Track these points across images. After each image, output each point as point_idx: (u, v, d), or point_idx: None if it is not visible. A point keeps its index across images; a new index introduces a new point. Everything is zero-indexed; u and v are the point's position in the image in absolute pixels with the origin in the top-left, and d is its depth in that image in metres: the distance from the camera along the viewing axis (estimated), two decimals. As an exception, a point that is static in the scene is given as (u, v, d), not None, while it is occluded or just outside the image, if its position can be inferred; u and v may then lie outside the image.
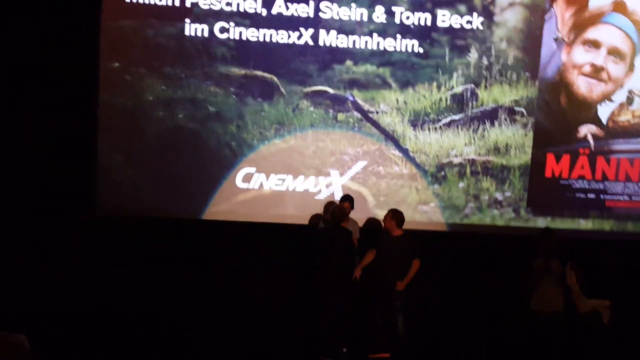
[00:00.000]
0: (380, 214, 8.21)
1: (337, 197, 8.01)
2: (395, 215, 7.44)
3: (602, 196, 8.39)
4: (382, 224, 7.63)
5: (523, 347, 7.30)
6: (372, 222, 8.16)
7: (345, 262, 7.43)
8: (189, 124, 7.96)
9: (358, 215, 8.04)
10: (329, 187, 8.14)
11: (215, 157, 8.02)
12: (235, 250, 8.03)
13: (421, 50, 8.07)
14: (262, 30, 7.93)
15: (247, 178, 8.06)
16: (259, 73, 7.98)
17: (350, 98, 8.09)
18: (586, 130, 8.29)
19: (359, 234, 7.81)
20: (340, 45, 8.01)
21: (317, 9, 7.96)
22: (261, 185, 8.10)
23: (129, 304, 7.62)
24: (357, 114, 8.11)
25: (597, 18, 8.19)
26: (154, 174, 7.92)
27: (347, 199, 7.63)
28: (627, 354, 7.26)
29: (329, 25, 7.99)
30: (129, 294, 7.69)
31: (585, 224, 8.46)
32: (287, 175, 8.10)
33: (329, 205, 7.88)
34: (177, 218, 7.98)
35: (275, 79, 7.99)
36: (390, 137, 8.15)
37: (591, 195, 8.38)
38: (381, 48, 8.05)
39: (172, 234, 7.88)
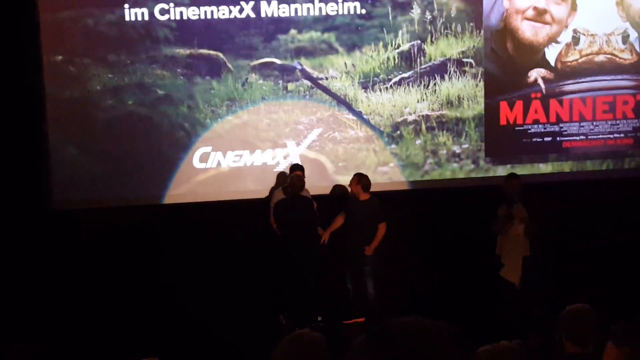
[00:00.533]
0: (341, 180, 8.31)
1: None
2: (361, 180, 7.55)
3: (558, 138, 8.51)
4: (348, 189, 7.72)
5: (493, 301, 7.48)
6: (338, 188, 8.24)
7: (310, 231, 7.51)
8: (140, 110, 7.98)
9: (318, 183, 8.13)
10: (286, 158, 8.19)
11: (170, 140, 8.06)
12: (199, 231, 8.07)
13: (364, 11, 8.12)
14: (203, 8, 7.95)
15: (204, 158, 8.10)
16: (204, 51, 8.00)
17: (299, 67, 8.14)
18: (536, 74, 8.39)
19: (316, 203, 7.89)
20: (282, 15, 8.04)
21: (255, -19, 7.98)
22: (219, 163, 8.15)
23: (95, 296, 7.65)
24: (307, 82, 8.17)
25: (535, -39, 8.26)
26: (109, 163, 7.95)
27: (299, 167, 7.70)
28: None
29: (269, -5, 8.02)
30: (95, 287, 7.72)
31: (544, 168, 8.58)
32: (244, 150, 8.16)
33: (281, 176, 7.97)
34: (138, 205, 7.99)
35: (221, 55, 8.02)
36: (343, 102, 8.21)
37: (548, 139, 8.50)
38: (324, 13, 8.09)
39: (134, 221, 7.90)
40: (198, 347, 7.20)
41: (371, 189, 7.66)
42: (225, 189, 8.15)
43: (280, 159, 8.22)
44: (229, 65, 8.04)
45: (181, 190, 8.07)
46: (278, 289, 7.81)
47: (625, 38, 8.41)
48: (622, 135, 8.57)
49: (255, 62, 8.09)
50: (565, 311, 4.37)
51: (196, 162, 8.10)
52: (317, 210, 7.66)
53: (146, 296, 7.68)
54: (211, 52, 8.03)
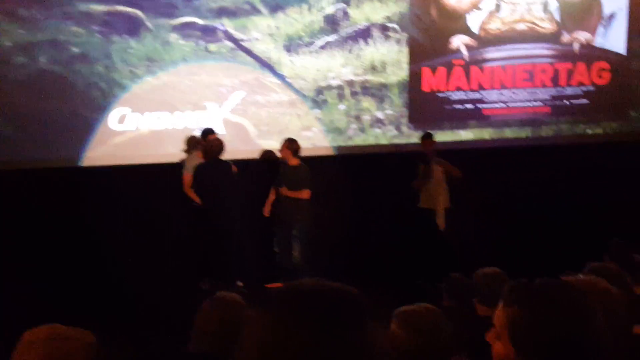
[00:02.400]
0: (264, 144, 8.45)
1: (219, 131, 8.12)
2: (291, 145, 7.72)
3: (479, 105, 8.86)
4: (278, 154, 7.88)
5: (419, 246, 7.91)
6: (268, 153, 8.35)
7: (231, 195, 7.62)
8: (53, 68, 7.87)
9: (241, 147, 8.23)
10: (208, 121, 8.23)
11: (86, 100, 8.00)
12: (119, 194, 8.06)
13: (288, -28, 8.19)
14: (121, -37, 7.85)
15: (122, 119, 8.09)
16: (122, 8, 7.95)
17: (221, 27, 8.18)
18: (459, 41, 8.69)
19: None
20: (204, -27, 8.03)
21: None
22: (137, 125, 8.13)
23: (13, 261, 7.56)
24: (229, 44, 8.22)
25: None
26: (22, 124, 7.84)
27: (212, 131, 7.77)
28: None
29: (190, -48, 7.99)
30: (12, 251, 7.62)
31: (465, 135, 8.93)
32: (164, 112, 8.16)
33: (191, 140, 8.02)
34: (54, 167, 7.90)
35: (140, 13, 7.98)
36: (266, 65, 8.31)
37: (469, 106, 8.84)
38: (247, -27, 8.12)
39: (50, 184, 7.82)
40: (120, 312, 7.23)
41: (294, 154, 7.84)
42: (145, 152, 8.17)
43: (202, 122, 8.26)
44: (148, 24, 8.01)
45: (98, 152, 8.05)
46: (200, 254, 7.91)
47: (545, 7, 8.83)
48: (540, 103, 9.01)
49: (176, 22, 8.09)
50: (477, 274, 4.70)
51: (113, 124, 8.08)
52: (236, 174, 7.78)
53: (66, 260, 7.65)
54: (129, 9, 7.99)
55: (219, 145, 7.61)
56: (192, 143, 8.12)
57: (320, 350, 1.31)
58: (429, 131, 8.26)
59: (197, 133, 8.14)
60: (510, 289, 1.85)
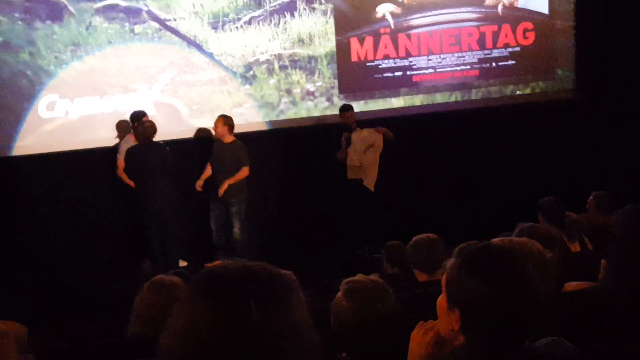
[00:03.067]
0: (197, 124, 8.58)
1: (150, 113, 8.21)
2: (227, 121, 7.88)
3: (408, 72, 9.08)
4: (212, 132, 8.01)
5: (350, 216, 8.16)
6: (201, 132, 8.46)
7: (166, 177, 7.74)
8: (-24, 58, 7.86)
9: (174, 128, 8.35)
10: (138, 103, 8.32)
11: (12, 89, 8.03)
12: (52, 182, 8.15)
13: (209, -51, 8.27)
14: (38, -52, 7.85)
15: (51, 106, 8.15)
16: (43, -7, 7.93)
17: (145, 8, 8.26)
18: (384, 9, 8.88)
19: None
20: (124, -46, 8.07)
21: None
22: (67, 111, 8.18)
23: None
24: (154, 24, 8.32)
25: None
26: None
27: (143, 114, 7.88)
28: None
29: None
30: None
31: (397, 102, 9.13)
32: (93, 97, 8.24)
33: (122, 124, 8.13)
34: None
35: (61, -2, 7.98)
36: (193, 43, 8.42)
37: (398, 73, 9.06)
38: (167, -49, 8.18)
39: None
40: (59, 300, 7.36)
41: (228, 131, 8.02)
42: (76, 138, 8.25)
43: (132, 105, 8.34)
44: (71, 9, 8.06)
45: (29, 141, 8.12)
46: (138, 238, 8.04)
47: (468, -30, 9.01)
48: (468, 67, 9.26)
49: (99, 5, 8.16)
50: (413, 241, 4.90)
51: (42, 111, 8.14)
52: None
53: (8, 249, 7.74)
54: (51, -6, 7.98)
55: (150, 128, 7.73)
56: (123, 127, 8.22)
57: (236, 330, 1.40)
58: (345, 103, 8.51)
59: (127, 117, 8.23)
60: (458, 252, 1.95)
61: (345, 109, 8.45)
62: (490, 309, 1.83)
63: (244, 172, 8.02)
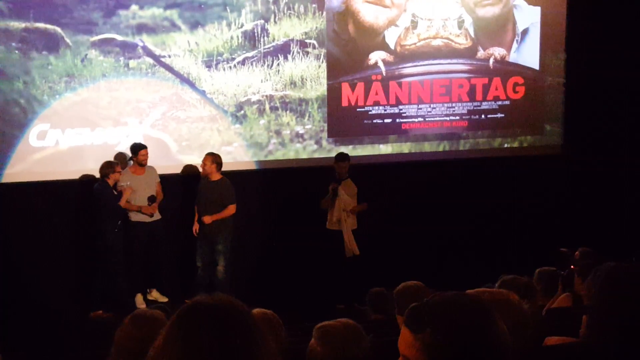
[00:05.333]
0: (185, 160, 9.03)
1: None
2: (215, 160, 8.34)
3: (397, 120, 9.60)
4: (200, 169, 8.45)
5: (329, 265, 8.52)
6: (189, 168, 8.90)
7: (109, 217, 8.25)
8: (-29, 85, 8.31)
9: (162, 163, 8.81)
10: (128, 136, 8.76)
11: (5, 117, 8.49)
12: (38, 210, 8.54)
13: (207, -11, 8.80)
14: (39, -20, 8.36)
15: (42, 135, 8.60)
16: (41, 25, 8.48)
17: (140, 44, 8.74)
18: (376, 56, 9.41)
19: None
20: (123, -10, 8.60)
21: (94, -46, 8.49)
22: (57, 141, 8.62)
23: None
24: (149, 60, 8.82)
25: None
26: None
27: (142, 146, 8.55)
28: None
29: (109, -30, 8.56)
30: None
31: (385, 149, 9.61)
32: (84, 128, 8.68)
33: (120, 157, 8.62)
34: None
35: (58, 30, 8.52)
36: (186, 80, 8.91)
37: (388, 120, 9.57)
38: (166, -10, 8.71)
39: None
40: (40, 328, 7.70)
41: (215, 169, 8.50)
42: (65, 168, 8.69)
43: (122, 138, 8.79)
44: (67, 41, 8.55)
45: (17, 168, 8.55)
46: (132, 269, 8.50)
47: (460, 23, 9.60)
48: (457, 117, 9.78)
49: (95, 38, 8.65)
50: (400, 287, 5.19)
51: (33, 140, 8.59)
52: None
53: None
54: (48, 26, 8.53)
55: (103, 167, 8.32)
56: (121, 159, 8.67)
57: None
58: (343, 152, 8.92)
59: (120, 149, 8.72)
60: (411, 313, 1.89)
61: (341, 158, 8.84)
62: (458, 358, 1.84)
63: (230, 209, 8.48)
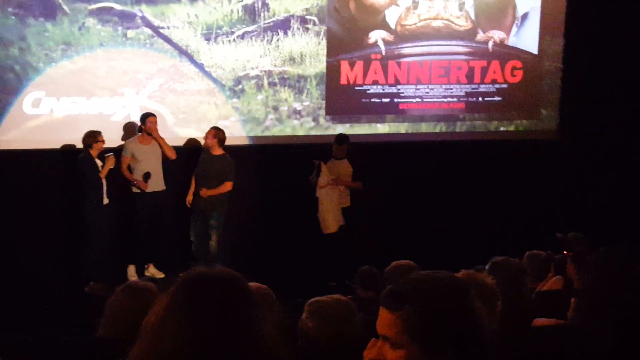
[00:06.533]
0: (181, 132, 9.13)
1: (134, 118, 8.77)
2: (218, 134, 8.50)
3: (395, 100, 9.76)
4: (203, 141, 8.59)
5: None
6: (191, 141, 9.05)
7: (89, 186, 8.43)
8: (-34, 49, 8.37)
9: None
10: (124, 107, 8.86)
11: (-1, 82, 8.49)
12: (30, 178, 8.63)
13: (208, -40, 8.91)
14: (38, -55, 8.41)
15: (36, 103, 8.68)
16: (38, -9, 8.47)
17: (139, 14, 8.83)
18: (376, 35, 9.58)
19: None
20: (124, -41, 8.67)
21: None
22: (52, 109, 8.70)
23: None
24: (147, 30, 8.91)
25: None
26: None
27: (151, 115, 8.70)
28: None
29: (109, -63, 8.63)
30: None
31: (382, 128, 9.80)
32: (80, 97, 8.78)
33: (130, 126, 8.74)
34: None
35: (56, -4, 8.53)
36: (184, 53, 9.02)
37: (385, 100, 9.74)
38: (168, -40, 8.79)
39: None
40: (33, 296, 7.79)
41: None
42: (58, 137, 8.76)
43: (118, 108, 8.88)
44: (65, 8, 8.62)
45: (10, 135, 8.64)
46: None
47: (461, 5, 9.80)
48: (455, 99, 9.99)
49: (94, 6, 8.74)
50: (391, 266, 5.36)
51: (27, 108, 8.66)
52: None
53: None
54: (46, -8, 8.53)
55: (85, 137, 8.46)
56: (130, 129, 8.78)
57: (206, 332, 1.69)
58: (342, 134, 9.14)
59: (115, 120, 8.83)
60: (389, 292, 1.92)
61: (340, 141, 9.00)
62: (452, 340, 1.85)
63: (227, 186, 8.62)
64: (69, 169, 8.77)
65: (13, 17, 8.55)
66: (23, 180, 8.67)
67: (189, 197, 8.75)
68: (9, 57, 8.61)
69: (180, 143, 9.12)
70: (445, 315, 1.82)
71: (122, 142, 8.83)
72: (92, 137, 8.40)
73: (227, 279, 1.86)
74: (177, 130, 9.20)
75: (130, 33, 8.93)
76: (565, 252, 6.66)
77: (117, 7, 8.85)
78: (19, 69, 8.66)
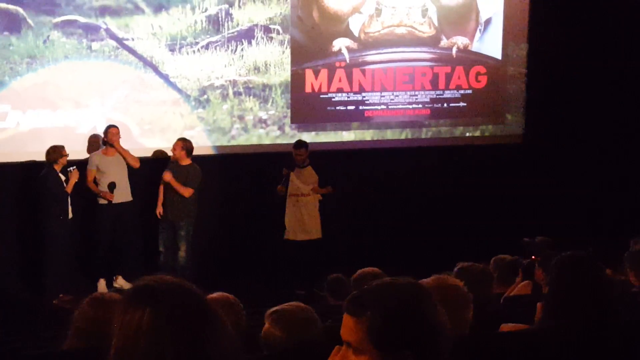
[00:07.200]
0: (147, 143, 9.31)
1: (99, 130, 8.94)
2: (185, 145, 8.67)
3: (360, 107, 9.98)
4: (171, 153, 8.75)
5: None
6: (158, 153, 9.22)
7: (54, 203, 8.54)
8: None
9: (124, 146, 9.01)
10: (90, 119, 9.03)
11: (-36, 97, 8.65)
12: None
13: (171, -28, 9.10)
14: (1, -40, 8.60)
15: (2, 116, 8.83)
16: (3, 5, 8.83)
17: (104, 26, 9.02)
18: (340, 43, 9.80)
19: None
20: (87, -28, 8.86)
21: None
22: (18, 122, 8.88)
23: None
24: (112, 42, 9.11)
25: None
26: None
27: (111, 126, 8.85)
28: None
29: (70, -51, 8.82)
30: None
31: (347, 136, 10.00)
32: (45, 110, 8.93)
33: (94, 138, 8.88)
34: None
35: (20, 10, 8.79)
36: (149, 64, 9.22)
37: (351, 107, 9.96)
38: (130, -27, 8.98)
39: None
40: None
41: (174, 153, 8.83)
42: (24, 149, 8.90)
43: (83, 120, 9.06)
44: (29, 21, 8.81)
45: (-23, 150, 8.72)
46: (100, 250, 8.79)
47: (424, 12, 10.04)
48: (420, 105, 10.22)
49: (58, 19, 8.93)
50: (357, 274, 5.50)
51: (-7, 121, 8.76)
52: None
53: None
54: (10, 6, 8.83)
55: (50, 153, 8.57)
56: (94, 141, 8.95)
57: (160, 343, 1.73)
58: (300, 140, 9.30)
59: (80, 132, 9.01)
60: (351, 298, 1.98)
61: (297, 146, 9.14)
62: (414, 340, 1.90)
63: (187, 190, 8.73)
64: (29, 184, 8.91)
65: (-23, 32, 8.72)
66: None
67: (159, 209, 8.92)
68: (-26, 71, 8.77)
69: (146, 154, 9.32)
70: (405, 321, 1.88)
71: (87, 155, 9.01)
72: (57, 152, 8.53)
73: (174, 288, 1.87)
74: (142, 140, 9.39)
75: (95, 45, 9.11)
76: (533, 257, 6.84)
77: (82, 19, 9.03)
78: (-17, 82, 8.83)
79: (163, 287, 1.84)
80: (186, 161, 8.85)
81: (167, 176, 8.72)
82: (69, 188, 8.54)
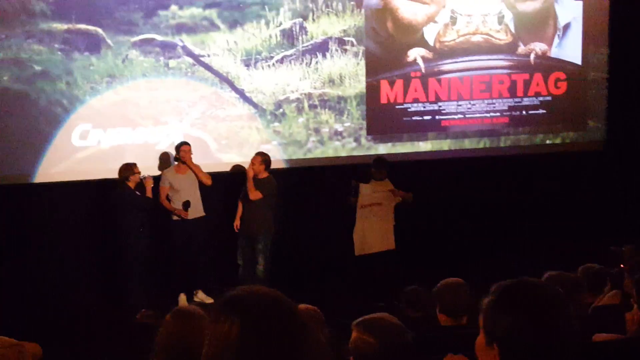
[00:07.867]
0: (224, 158, 9.51)
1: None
2: (264, 159, 8.82)
3: (437, 117, 10.01)
4: (249, 167, 8.91)
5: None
6: (236, 167, 9.42)
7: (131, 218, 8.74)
8: (15, 86, 8.95)
9: (202, 161, 9.36)
10: (168, 135, 9.27)
11: (47, 116, 9.06)
12: (78, 209, 9.06)
13: (245, -12, 9.30)
14: (81, -18, 8.92)
15: (84, 135, 9.13)
16: (83, 26, 9.03)
17: (180, 43, 9.25)
18: (415, 53, 9.84)
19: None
20: (163, -10, 9.13)
21: (134, -45, 9.03)
22: (99, 141, 9.16)
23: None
24: (188, 59, 9.33)
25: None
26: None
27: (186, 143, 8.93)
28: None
29: (148, -30, 9.09)
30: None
31: (424, 146, 10.02)
32: (125, 128, 9.21)
33: (164, 156, 9.11)
34: (9, 184, 8.86)
35: (100, 30, 9.07)
36: (225, 79, 9.41)
37: (427, 117, 9.98)
38: (205, -10, 9.22)
39: (8, 199, 8.83)
40: (73, 330, 8.18)
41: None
42: (106, 167, 9.19)
43: (162, 137, 9.31)
44: (109, 41, 9.09)
45: (60, 168, 9.17)
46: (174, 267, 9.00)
47: (500, 19, 9.99)
48: (498, 114, 10.17)
49: (136, 38, 9.19)
50: (440, 285, 5.50)
51: (75, 140, 9.17)
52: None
53: (15, 277, 8.61)
54: (90, 27, 9.08)
55: (121, 170, 8.82)
56: (166, 159, 9.20)
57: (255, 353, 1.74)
58: (380, 159, 9.29)
59: (160, 148, 9.26)
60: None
61: (378, 165, 9.12)
62: (527, 343, 1.94)
63: (254, 194, 8.85)
64: (102, 202, 9.17)
65: (59, 53, 9.05)
66: (69, 211, 9.12)
67: (237, 222, 9.09)
68: (56, 91, 9.10)
69: (223, 169, 9.54)
70: (521, 322, 1.94)
71: (160, 172, 9.27)
72: (129, 170, 8.81)
73: (271, 299, 1.86)
74: (220, 155, 9.60)
75: (172, 63, 9.37)
76: (621, 265, 6.71)
77: (159, 38, 9.30)
78: (66, 102, 9.15)
79: (254, 298, 1.85)
80: (264, 174, 8.99)
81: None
82: (149, 193, 8.83)
